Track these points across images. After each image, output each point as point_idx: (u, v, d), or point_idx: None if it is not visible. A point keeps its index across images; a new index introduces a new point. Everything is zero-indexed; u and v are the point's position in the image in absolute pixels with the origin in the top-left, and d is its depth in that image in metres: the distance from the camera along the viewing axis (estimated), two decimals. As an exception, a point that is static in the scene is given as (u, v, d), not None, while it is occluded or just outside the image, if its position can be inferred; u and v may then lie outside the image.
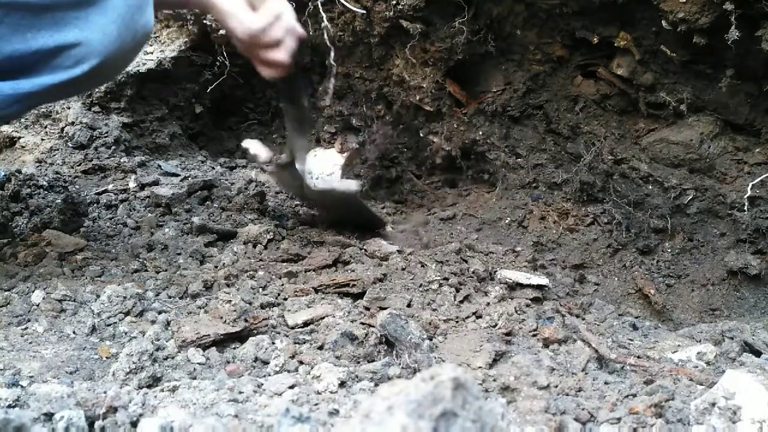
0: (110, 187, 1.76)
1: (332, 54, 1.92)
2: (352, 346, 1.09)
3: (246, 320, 1.16)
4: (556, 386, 0.95)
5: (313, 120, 1.61)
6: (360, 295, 1.32)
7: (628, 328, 1.45)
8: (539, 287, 1.45)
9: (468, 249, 1.66)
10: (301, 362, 1.04)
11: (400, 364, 1.03)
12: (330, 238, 1.64)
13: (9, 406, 0.76)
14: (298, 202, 2.00)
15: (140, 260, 1.41)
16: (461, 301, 1.33)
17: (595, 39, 1.77)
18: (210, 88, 2.11)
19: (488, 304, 1.32)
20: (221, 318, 1.15)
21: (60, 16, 0.90)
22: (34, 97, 1.01)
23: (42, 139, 1.98)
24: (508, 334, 1.20)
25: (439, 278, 1.40)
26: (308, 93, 1.68)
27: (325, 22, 1.86)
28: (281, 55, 1.36)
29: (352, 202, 1.67)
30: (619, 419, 0.82)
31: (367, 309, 1.27)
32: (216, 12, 1.33)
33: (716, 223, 1.88)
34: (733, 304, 1.77)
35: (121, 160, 1.91)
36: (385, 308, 1.24)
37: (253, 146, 1.57)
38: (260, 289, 1.35)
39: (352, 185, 1.63)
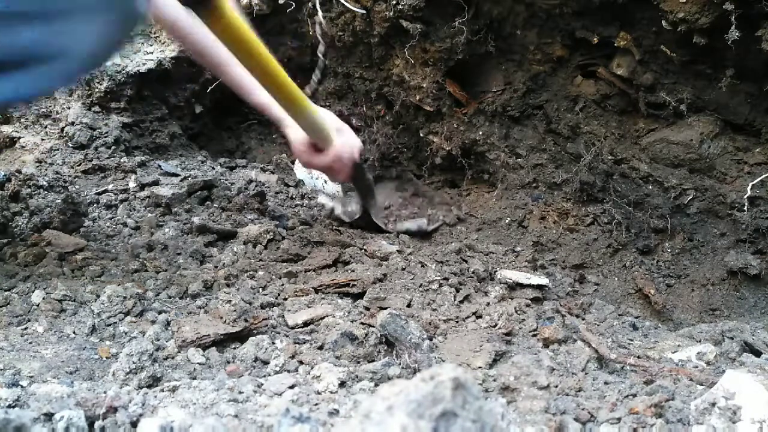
0: (110, 187, 1.76)
1: (321, 47, 1.99)
2: (352, 346, 1.09)
3: (246, 320, 1.16)
4: (556, 386, 0.95)
5: (374, 187, 1.92)
6: (360, 295, 1.32)
7: (628, 328, 1.45)
8: (539, 287, 1.45)
9: (468, 249, 1.66)
10: (301, 362, 1.04)
11: (400, 364, 1.03)
12: (330, 238, 1.64)
13: (9, 406, 0.76)
14: (298, 203, 2.00)
15: (140, 260, 1.41)
16: (461, 301, 1.33)
17: (595, 39, 1.77)
18: (210, 88, 2.11)
19: (488, 304, 1.32)
20: (221, 318, 1.15)
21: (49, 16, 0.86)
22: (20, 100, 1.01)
23: (42, 139, 1.98)
24: (508, 334, 1.20)
25: (439, 278, 1.40)
26: (371, 176, 1.96)
27: (320, 18, 1.88)
28: (340, 177, 1.67)
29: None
30: (619, 419, 0.82)
31: (367, 309, 1.27)
32: (287, 137, 1.59)
33: (716, 223, 1.88)
34: (733, 304, 1.77)
35: (121, 160, 1.91)
36: (385, 308, 1.24)
37: (324, 200, 1.97)
38: (260, 289, 1.35)
39: (423, 223, 1.94)
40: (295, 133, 1.54)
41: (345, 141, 1.60)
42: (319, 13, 1.88)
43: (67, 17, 0.86)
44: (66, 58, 0.88)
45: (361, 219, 1.85)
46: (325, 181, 2.10)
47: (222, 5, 1.05)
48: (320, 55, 2.06)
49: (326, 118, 1.56)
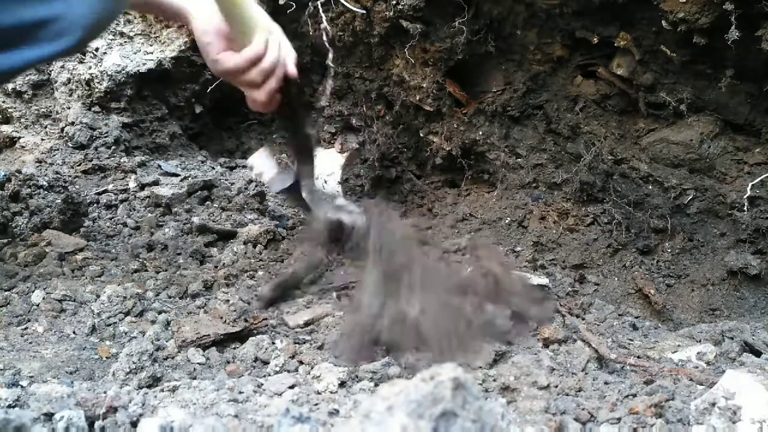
0: (110, 187, 1.76)
1: (331, 56, 1.92)
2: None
3: (246, 320, 1.16)
4: (556, 386, 0.95)
5: (315, 147, 1.49)
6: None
7: (628, 328, 1.45)
8: (539, 287, 1.45)
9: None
10: (301, 362, 1.04)
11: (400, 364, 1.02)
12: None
13: (9, 406, 0.76)
14: (298, 203, 2.00)
15: (140, 260, 1.41)
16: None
17: (595, 39, 1.77)
18: (210, 88, 2.11)
19: (488, 304, 1.32)
20: (221, 318, 1.15)
21: None
22: (15, 72, 0.98)
23: (42, 139, 1.98)
24: (508, 334, 1.20)
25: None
26: (311, 121, 1.59)
27: (324, 24, 1.86)
28: (260, 96, 1.17)
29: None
30: (619, 419, 0.82)
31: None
32: (192, 30, 1.17)
33: (716, 223, 1.88)
34: (733, 304, 1.77)
35: (121, 160, 1.91)
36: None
37: (257, 163, 1.40)
38: (260, 289, 1.35)
39: (357, 219, 1.33)
40: (203, 21, 1.15)
41: (274, 41, 1.15)
42: (324, 19, 1.86)
43: None
44: (65, 24, 0.89)
45: (290, 189, 1.37)
46: (325, 181, 2.10)
47: None
48: (330, 64, 1.95)
49: (255, 8, 1.15)
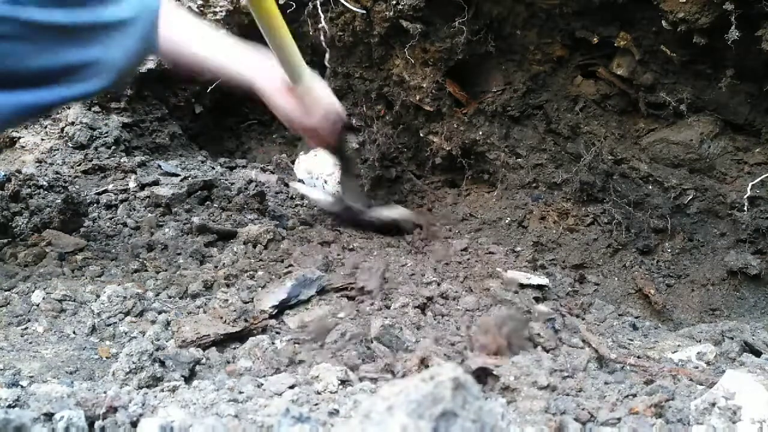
0: (110, 187, 1.76)
1: (327, 56, 1.94)
2: (352, 346, 1.08)
3: (246, 320, 1.16)
4: (556, 386, 0.95)
5: (357, 164, 1.80)
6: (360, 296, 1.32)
7: (628, 328, 1.45)
8: (539, 287, 1.45)
9: (468, 249, 1.66)
10: (301, 362, 1.04)
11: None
12: (330, 238, 1.64)
13: (9, 406, 0.76)
14: (298, 203, 2.00)
15: (140, 260, 1.41)
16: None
17: (595, 39, 1.77)
18: (210, 88, 2.11)
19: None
20: (221, 318, 1.15)
21: (89, 35, 0.94)
22: (52, 107, 1.05)
23: (42, 139, 1.98)
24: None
25: (437, 279, 1.40)
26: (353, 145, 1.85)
27: (323, 23, 1.86)
28: (321, 142, 1.48)
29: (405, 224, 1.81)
30: (619, 419, 0.82)
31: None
32: (256, 91, 1.37)
33: (716, 223, 1.88)
34: (733, 304, 1.77)
35: (121, 160, 1.91)
36: (388, 307, 1.24)
37: (297, 186, 1.85)
38: (260, 289, 1.35)
39: (406, 213, 1.81)
40: (269, 76, 1.36)
41: (329, 96, 1.44)
42: (322, 19, 1.87)
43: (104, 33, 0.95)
44: (101, 67, 0.96)
45: (340, 206, 1.74)
46: (325, 181, 2.10)
47: None
48: (327, 64, 2.00)
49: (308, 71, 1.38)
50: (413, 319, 1.19)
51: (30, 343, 1.05)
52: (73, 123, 1.93)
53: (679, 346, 1.25)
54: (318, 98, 1.40)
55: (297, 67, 1.33)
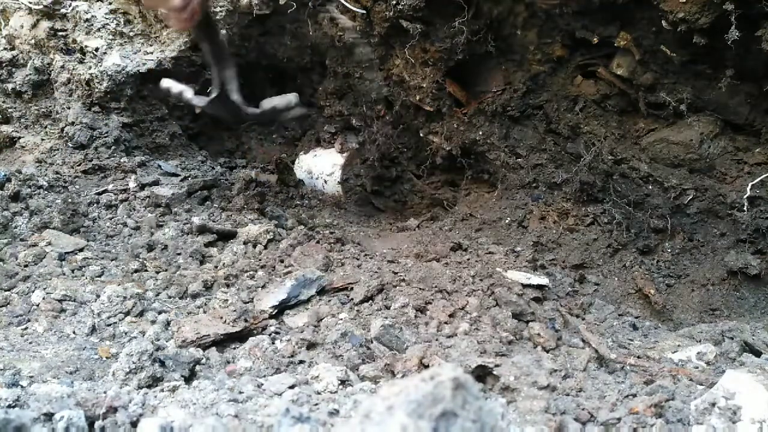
0: (110, 187, 1.76)
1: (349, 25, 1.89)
2: (352, 346, 1.09)
3: (246, 320, 1.16)
4: (556, 386, 0.95)
5: (230, 52, 1.59)
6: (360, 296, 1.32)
7: (628, 328, 1.45)
8: (539, 287, 1.45)
9: (468, 249, 1.66)
10: (301, 362, 1.04)
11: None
12: (330, 238, 1.64)
13: (9, 406, 0.76)
14: (298, 203, 2.00)
15: (140, 260, 1.41)
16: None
17: (595, 39, 1.77)
18: (210, 88, 2.11)
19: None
20: (221, 318, 1.15)
21: None
22: None
23: (42, 139, 1.98)
24: (508, 334, 1.20)
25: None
26: (222, 33, 1.66)
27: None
28: (187, 20, 1.33)
29: (292, 113, 1.71)
30: (619, 419, 0.82)
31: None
32: None
33: (716, 223, 1.88)
34: (733, 304, 1.77)
35: (121, 160, 1.91)
36: (388, 307, 1.24)
37: (169, 83, 1.62)
38: (260, 289, 1.35)
39: (291, 99, 1.66)
40: None
41: None
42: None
43: None
44: None
45: (217, 101, 1.56)
46: (325, 181, 2.10)
47: None
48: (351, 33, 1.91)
49: None
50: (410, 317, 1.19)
51: (30, 343, 1.05)
52: (73, 123, 1.93)
53: (679, 346, 1.25)
54: None
55: None
